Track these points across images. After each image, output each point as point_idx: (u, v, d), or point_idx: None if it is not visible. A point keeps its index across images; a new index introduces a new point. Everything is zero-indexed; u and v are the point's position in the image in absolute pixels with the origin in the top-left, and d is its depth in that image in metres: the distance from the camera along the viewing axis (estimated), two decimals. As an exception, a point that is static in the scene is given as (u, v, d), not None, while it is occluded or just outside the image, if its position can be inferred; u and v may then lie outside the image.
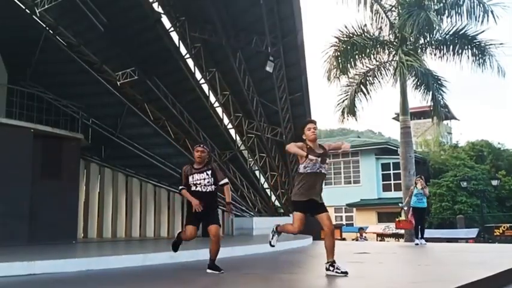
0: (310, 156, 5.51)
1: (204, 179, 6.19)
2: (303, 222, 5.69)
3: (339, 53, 19.44)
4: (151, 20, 15.21)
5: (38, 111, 13.74)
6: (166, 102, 16.71)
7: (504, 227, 23.78)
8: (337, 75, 19.88)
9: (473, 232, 24.22)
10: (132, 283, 5.89)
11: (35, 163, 12.46)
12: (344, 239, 22.72)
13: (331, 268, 5.58)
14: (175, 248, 6.61)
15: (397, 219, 13.14)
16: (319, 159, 5.59)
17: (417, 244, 11.73)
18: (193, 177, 6.21)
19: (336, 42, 19.50)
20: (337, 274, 5.48)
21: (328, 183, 31.61)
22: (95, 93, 16.57)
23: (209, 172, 6.23)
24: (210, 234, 6.11)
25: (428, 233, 25.19)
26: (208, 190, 6.18)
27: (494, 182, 27.32)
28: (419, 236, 11.80)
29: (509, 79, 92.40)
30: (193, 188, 6.17)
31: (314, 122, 5.90)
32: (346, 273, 5.48)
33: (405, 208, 11.99)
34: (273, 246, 6.16)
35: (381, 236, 27.72)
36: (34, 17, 15.33)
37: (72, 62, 15.95)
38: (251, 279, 6.08)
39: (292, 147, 5.75)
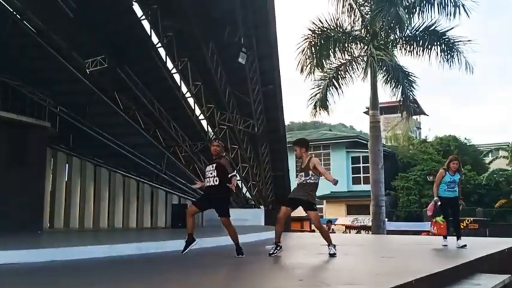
0: None
1: (209, 171, 6.89)
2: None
3: (313, 46, 19.52)
4: (122, 7, 14.93)
5: (4, 98, 13.35)
6: (136, 91, 16.50)
7: (468, 221, 24.47)
8: (311, 69, 19.97)
9: (438, 225, 24.78)
10: (96, 274, 5.82)
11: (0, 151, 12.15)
12: (313, 231, 22.95)
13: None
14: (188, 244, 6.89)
15: (434, 220, 8.76)
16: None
17: (446, 245, 8.48)
18: (206, 168, 7.09)
19: (310, 35, 19.57)
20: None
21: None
22: (63, 80, 16.22)
23: (214, 165, 6.84)
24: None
25: (395, 225, 25.83)
26: (211, 184, 6.81)
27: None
28: (456, 235, 8.47)
29: (480, 78, 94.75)
30: (205, 183, 6.98)
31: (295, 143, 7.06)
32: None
33: (439, 203, 8.52)
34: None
35: (350, 228, 28.15)
36: (1, 1, 14.86)
37: (39, 48, 15.55)
38: (218, 270, 6.10)
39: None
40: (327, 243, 6.89)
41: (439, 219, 8.49)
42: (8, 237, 9.58)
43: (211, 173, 6.83)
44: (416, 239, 13.93)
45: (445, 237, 8.58)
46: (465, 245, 8.09)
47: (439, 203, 8.45)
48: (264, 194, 18.86)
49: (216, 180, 6.76)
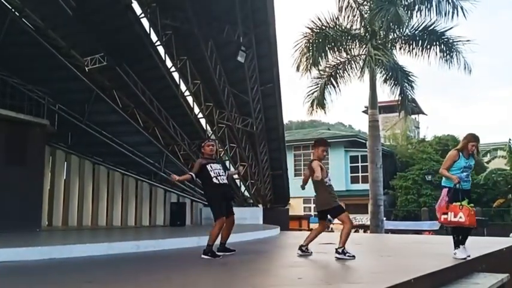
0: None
1: (220, 169, 6.78)
2: None
3: (311, 44, 19.53)
4: (122, 6, 14.90)
5: (2, 96, 13.32)
6: (135, 89, 16.46)
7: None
8: (309, 67, 19.98)
9: (436, 224, 24.85)
10: (94, 272, 5.82)
11: (-2, 149, 12.14)
12: (311, 230, 22.97)
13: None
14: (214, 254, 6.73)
15: (459, 205, 6.15)
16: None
17: (463, 258, 6.19)
18: (211, 166, 6.70)
19: (309, 33, 19.59)
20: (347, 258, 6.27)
21: (297, 174, 31.88)
22: (62, 78, 16.15)
23: (221, 164, 6.94)
24: (229, 222, 6.86)
25: (394, 224, 25.87)
26: (225, 182, 6.78)
27: (458, 176, 27.99)
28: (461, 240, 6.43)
29: (480, 77, 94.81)
30: (214, 181, 6.64)
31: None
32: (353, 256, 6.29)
33: (459, 186, 6.27)
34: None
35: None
36: (-1, -2, 14.82)
37: (38, 46, 15.46)
38: (218, 269, 6.10)
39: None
40: (305, 242, 6.91)
41: (465, 203, 6.10)
42: (6, 235, 9.58)
43: (222, 172, 6.81)
44: (415, 238, 13.96)
45: (457, 246, 6.40)
46: (469, 256, 6.27)
47: (457, 185, 6.18)
48: (262, 192, 18.86)
49: (226, 179, 6.87)
